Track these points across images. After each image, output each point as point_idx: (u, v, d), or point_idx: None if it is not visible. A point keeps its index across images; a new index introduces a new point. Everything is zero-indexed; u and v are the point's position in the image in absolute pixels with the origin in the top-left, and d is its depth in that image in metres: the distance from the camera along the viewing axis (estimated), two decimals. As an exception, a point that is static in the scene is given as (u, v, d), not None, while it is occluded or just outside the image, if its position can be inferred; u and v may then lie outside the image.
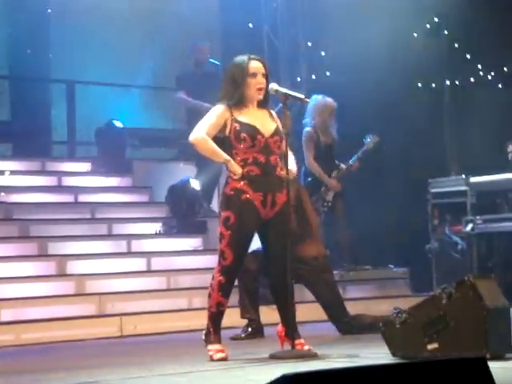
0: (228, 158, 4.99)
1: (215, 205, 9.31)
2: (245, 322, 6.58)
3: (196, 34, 9.81)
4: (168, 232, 8.72)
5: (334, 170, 8.14)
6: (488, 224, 8.37)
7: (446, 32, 10.42)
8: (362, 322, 6.33)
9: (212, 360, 4.98)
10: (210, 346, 5.04)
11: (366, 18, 9.48)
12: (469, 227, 8.45)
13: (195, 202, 8.87)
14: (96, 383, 4.43)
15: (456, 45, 10.35)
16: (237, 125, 5.02)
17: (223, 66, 9.23)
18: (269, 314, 6.34)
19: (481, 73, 10.37)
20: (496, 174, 8.55)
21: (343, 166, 8.21)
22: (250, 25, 10.49)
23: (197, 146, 5.06)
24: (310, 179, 8.07)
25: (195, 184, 8.85)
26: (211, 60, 9.47)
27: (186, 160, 9.45)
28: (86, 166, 9.65)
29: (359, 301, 7.98)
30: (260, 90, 5.05)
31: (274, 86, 5.09)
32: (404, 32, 9.73)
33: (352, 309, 6.66)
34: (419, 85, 10.41)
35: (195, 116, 9.09)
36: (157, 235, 8.66)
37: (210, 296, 5.04)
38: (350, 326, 6.33)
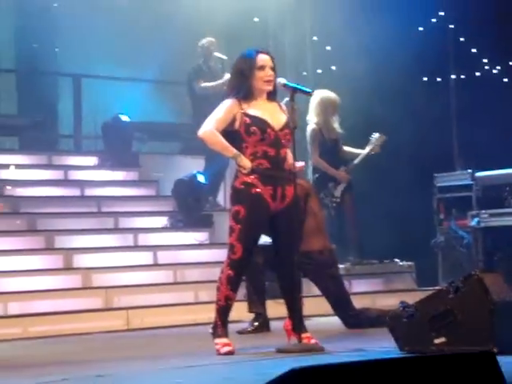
0: (237, 152, 5.00)
1: (221, 198, 9.35)
2: (252, 315, 6.60)
3: (202, 28, 9.81)
4: (174, 226, 8.74)
5: (341, 165, 8.10)
6: (494, 218, 8.37)
7: (451, 26, 10.41)
8: (368, 316, 6.35)
9: (219, 354, 5.00)
10: (218, 340, 5.06)
11: (372, 12, 9.47)
12: (474, 221, 8.45)
13: (201, 196, 8.89)
14: (104, 376, 4.45)
15: (461, 39, 10.34)
16: (247, 118, 5.03)
17: (229, 61, 9.26)
18: (275, 308, 6.36)
19: (486, 67, 10.36)
20: (502, 169, 8.56)
21: (350, 163, 8.15)
22: (256, 19, 10.49)
23: (206, 140, 5.07)
24: (317, 176, 8.06)
25: (201, 178, 8.87)
26: (217, 54, 9.48)
27: (192, 154, 9.47)
28: (92, 160, 9.66)
29: (365, 295, 7.99)
30: (269, 82, 5.07)
31: (281, 80, 5.11)
32: (409, 26, 9.72)
33: (358, 303, 6.68)
34: (425, 79, 10.40)
35: (201, 109, 9.19)
36: (163, 229, 8.68)
37: (218, 289, 5.06)
38: (356, 320, 6.35)
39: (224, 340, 5.05)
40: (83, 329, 6.85)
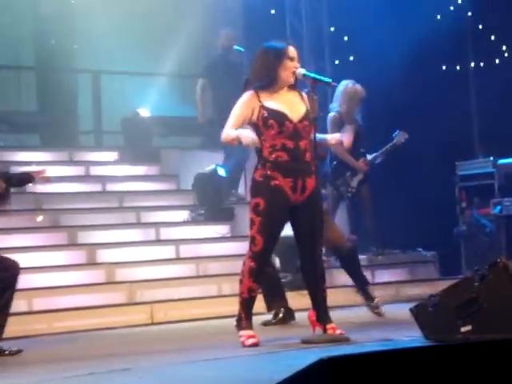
0: (236, 133, 4.96)
1: (242, 191, 9.35)
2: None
3: (219, 22, 9.81)
4: (196, 219, 8.76)
5: (360, 157, 8.06)
6: (516, 206, 8.32)
7: (469, 14, 10.35)
8: None
9: (244, 346, 5.01)
10: (242, 332, 5.07)
11: (389, 2, 9.43)
12: (497, 209, 8.41)
13: (222, 190, 8.90)
14: (129, 370, 4.47)
15: (480, 26, 10.27)
16: (264, 112, 5.02)
17: (247, 53, 9.25)
18: (299, 300, 6.36)
19: (506, 54, 10.29)
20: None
21: (369, 156, 8.12)
22: (272, 11, 10.48)
23: (224, 143, 5.12)
24: (334, 163, 8.03)
25: (222, 171, 8.88)
26: (236, 47, 9.47)
27: (212, 148, 9.48)
28: (113, 156, 9.70)
29: (388, 285, 7.99)
30: (294, 74, 5.06)
31: (301, 70, 5.09)
32: (428, 15, 9.67)
33: (382, 292, 6.69)
34: (444, 67, 10.35)
35: (217, 101, 9.20)
36: (185, 223, 8.70)
37: (241, 282, 5.07)
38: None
39: (249, 332, 5.06)
40: (107, 323, 6.88)
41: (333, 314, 5.28)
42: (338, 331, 5.02)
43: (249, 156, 8.83)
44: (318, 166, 5.09)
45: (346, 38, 10.34)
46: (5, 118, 9.90)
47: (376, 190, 8.31)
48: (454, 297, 4.46)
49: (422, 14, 9.38)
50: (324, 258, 6.08)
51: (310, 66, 9.82)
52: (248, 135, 4.97)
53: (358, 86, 7.94)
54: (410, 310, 4.70)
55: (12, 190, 8.39)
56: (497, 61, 10.30)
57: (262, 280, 5.86)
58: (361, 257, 8.41)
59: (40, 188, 8.63)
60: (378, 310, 6.43)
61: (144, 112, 9.74)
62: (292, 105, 5.09)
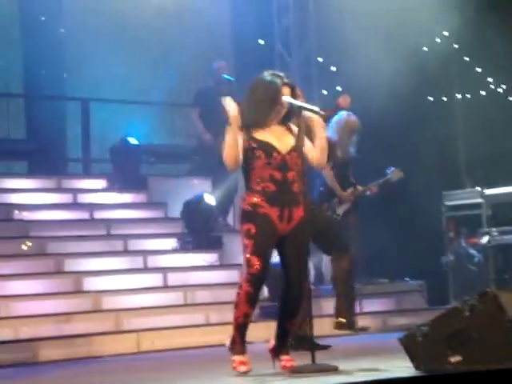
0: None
1: (231, 220, 9.35)
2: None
3: (209, 51, 9.87)
4: (184, 247, 8.74)
5: (349, 187, 8.07)
6: (504, 236, 8.36)
7: (456, 46, 10.46)
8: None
9: (235, 371, 5.00)
10: (236, 357, 5.06)
11: (377, 33, 9.52)
12: (485, 239, 8.44)
13: (210, 217, 8.90)
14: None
15: (466, 58, 10.38)
16: (252, 142, 5.05)
17: (236, 82, 9.30)
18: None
19: (492, 86, 10.39)
20: (510, 186, 8.56)
21: (360, 187, 8.14)
22: (261, 41, 10.55)
23: (229, 162, 5.03)
24: (321, 189, 8.03)
25: (210, 199, 8.88)
26: (225, 76, 9.53)
27: (200, 175, 9.49)
28: (101, 183, 9.68)
29: (376, 314, 7.98)
30: (284, 107, 5.09)
31: (287, 98, 5.10)
32: (414, 46, 9.76)
33: (369, 322, 6.68)
34: (430, 98, 10.43)
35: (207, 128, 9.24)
36: (173, 251, 8.69)
37: (236, 307, 5.05)
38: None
39: (241, 358, 5.05)
40: (94, 352, 6.85)
41: (321, 342, 5.26)
42: (292, 363, 5.04)
43: (238, 185, 8.87)
44: (307, 196, 5.10)
45: (333, 69, 10.41)
46: (-7, 145, 9.88)
47: (364, 218, 8.32)
48: (444, 327, 4.46)
49: (408, 45, 9.46)
50: (312, 286, 6.07)
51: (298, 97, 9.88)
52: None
53: (353, 118, 7.96)
54: (399, 339, 4.69)
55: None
56: (483, 92, 10.39)
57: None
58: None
59: (27, 215, 8.61)
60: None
61: (132, 140, 9.75)
62: (280, 136, 5.11)
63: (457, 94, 10.57)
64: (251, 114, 5.07)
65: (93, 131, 10.15)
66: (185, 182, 9.59)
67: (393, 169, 8.08)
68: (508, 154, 9.15)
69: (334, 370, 4.87)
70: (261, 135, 5.06)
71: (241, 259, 8.18)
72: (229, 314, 7.56)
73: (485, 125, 9.76)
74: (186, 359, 6.55)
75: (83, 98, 10.27)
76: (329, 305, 7.11)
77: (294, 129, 5.17)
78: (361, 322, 7.64)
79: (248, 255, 5.00)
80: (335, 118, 7.72)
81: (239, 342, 5.05)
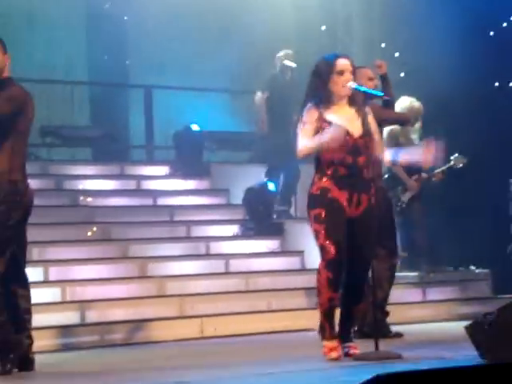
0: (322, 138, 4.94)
1: (292, 207, 9.36)
2: None
3: (272, 37, 9.85)
4: (246, 234, 8.77)
5: (414, 174, 7.99)
6: None
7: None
8: None
9: (326, 357, 5.00)
10: (326, 342, 5.06)
11: (442, 17, 9.38)
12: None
13: (272, 204, 8.91)
14: (180, 383, 4.49)
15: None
16: (325, 124, 5.03)
17: (298, 69, 9.27)
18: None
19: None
20: None
21: (424, 174, 8.05)
22: (323, 27, 10.49)
23: (306, 155, 5.06)
24: (387, 175, 7.98)
25: (272, 186, 8.89)
26: (287, 63, 9.50)
27: (262, 162, 9.50)
28: (164, 170, 9.77)
29: (440, 303, 7.90)
30: (346, 87, 5.05)
31: (352, 84, 5.07)
32: (480, 31, 9.59)
33: (433, 311, 6.61)
34: (496, 84, 10.25)
35: (271, 118, 9.25)
36: (235, 237, 8.73)
37: (319, 293, 5.03)
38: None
39: (332, 343, 5.04)
40: (158, 336, 6.91)
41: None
42: (354, 351, 5.02)
43: (299, 173, 8.86)
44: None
45: (396, 54, 10.30)
46: (58, 132, 10.05)
47: (428, 206, 8.24)
48: (511, 316, 4.40)
49: (474, 29, 9.30)
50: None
51: (360, 82, 9.80)
52: (328, 133, 4.91)
53: (417, 104, 7.88)
54: (465, 328, 4.65)
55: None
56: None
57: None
58: (412, 274, 8.36)
59: (92, 201, 8.74)
60: None
61: (195, 127, 9.81)
62: (352, 120, 5.08)
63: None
64: (314, 95, 5.05)
65: (156, 118, 10.24)
66: (247, 169, 9.61)
67: (457, 155, 7.99)
68: None
69: (398, 358, 4.85)
70: (333, 117, 5.03)
71: (302, 246, 8.28)
72: (290, 301, 7.68)
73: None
74: (249, 345, 6.59)
75: (146, 85, 10.36)
76: (397, 292, 7.06)
77: (364, 113, 5.13)
78: (425, 310, 7.58)
79: (321, 241, 4.98)
80: (398, 104, 7.65)
81: (328, 328, 5.04)
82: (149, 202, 9.09)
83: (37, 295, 6.74)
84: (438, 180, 8.11)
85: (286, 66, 9.42)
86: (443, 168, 7.99)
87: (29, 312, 5.25)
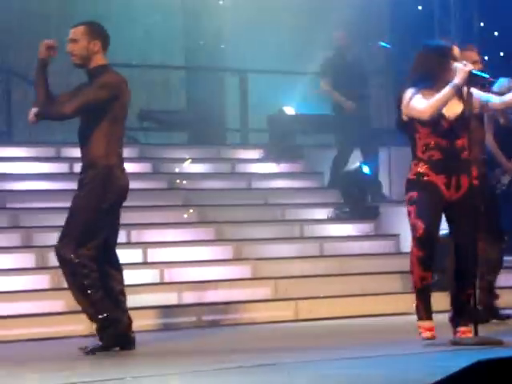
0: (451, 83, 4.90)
1: (387, 191, 9.28)
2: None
3: (366, 18, 9.76)
4: (340, 217, 8.75)
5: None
6: None
7: None
8: None
9: (421, 337, 5.00)
10: (420, 323, 5.06)
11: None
12: None
13: (367, 188, 8.86)
14: (277, 365, 4.53)
15: None
16: None
17: (393, 49, 9.16)
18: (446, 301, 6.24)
19: None
20: None
21: None
22: (420, 7, 10.33)
23: (432, 113, 4.94)
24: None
25: (366, 169, 8.84)
26: (382, 43, 9.39)
27: (355, 146, 9.43)
28: (258, 153, 9.83)
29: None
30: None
31: (457, 65, 5.00)
32: None
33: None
34: None
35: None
36: (329, 220, 8.72)
37: (411, 272, 5.04)
38: None
39: (427, 323, 5.03)
40: (252, 318, 6.99)
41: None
42: (466, 335, 4.96)
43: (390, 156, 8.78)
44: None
45: (496, 34, 10.06)
46: (154, 116, 10.22)
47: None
48: None
49: None
50: None
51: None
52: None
53: None
54: None
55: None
56: None
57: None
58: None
59: (187, 184, 8.88)
60: None
61: (289, 110, 9.82)
62: (452, 103, 5.02)
63: None
64: (421, 80, 5.01)
65: (250, 101, 10.29)
66: (341, 152, 9.54)
67: None
68: None
69: (499, 344, 4.77)
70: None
71: (397, 230, 8.20)
72: (385, 284, 7.63)
73: None
74: (343, 328, 6.58)
75: (241, 69, 10.42)
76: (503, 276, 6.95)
77: (463, 95, 5.06)
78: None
79: (412, 220, 4.99)
80: (495, 86, 7.47)
81: (422, 308, 5.04)
82: (243, 185, 9.17)
83: (136, 276, 6.97)
84: None
85: (342, 46, 9.25)
86: None
87: (123, 293, 5.36)
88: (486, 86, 5.74)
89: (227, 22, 10.41)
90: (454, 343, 4.90)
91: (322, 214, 8.80)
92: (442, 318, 6.04)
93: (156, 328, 6.61)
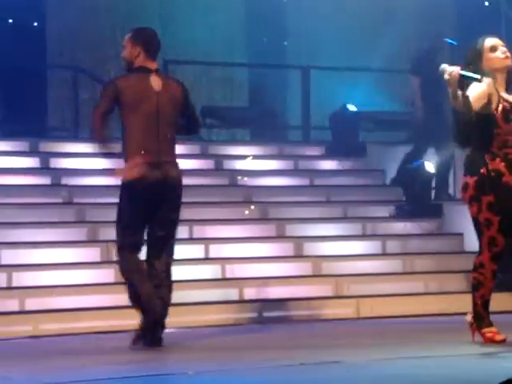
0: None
1: (451, 189, 9.16)
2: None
3: (431, 14, 9.65)
4: (402, 215, 8.68)
5: None
6: None
7: None
8: None
9: (493, 340, 4.92)
10: (487, 329, 4.98)
11: None
12: None
13: (430, 185, 8.77)
14: (338, 363, 4.52)
15: None
16: (506, 104, 4.91)
17: (460, 46, 9.03)
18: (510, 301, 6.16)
19: None
20: None
21: None
22: (486, 3, 10.17)
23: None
24: None
25: (430, 167, 8.74)
26: (448, 40, 9.27)
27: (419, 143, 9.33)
28: (320, 150, 9.81)
29: None
30: (506, 58, 4.92)
31: (445, 67, 4.87)
32: None
33: None
34: None
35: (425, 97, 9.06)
36: (391, 218, 8.65)
37: (481, 286, 4.95)
38: None
39: (493, 329, 4.97)
40: (313, 315, 7.00)
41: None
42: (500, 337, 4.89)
43: (454, 155, 8.66)
44: None
45: None
46: (217, 114, 10.28)
47: None
48: None
49: None
50: None
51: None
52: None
53: None
54: None
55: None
56: None
57: None
58: None
59: (249, 181, 8.91)
60: None
61: (351, 107, 9.77)
62: None
63: None
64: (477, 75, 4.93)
65: (312, 98, 10.27)
66: (403, 150, 9.48)
67: None
68: None
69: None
70: (508, 96, 4.93)
71: (461, 228, 8.09)
72: (448, 283, 7.54)
73: None
74: (405, 327, 6.53)
75: (303, 66, 10.41)
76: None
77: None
78: None
79: (493, 233, 4.88)
80: None
81: (487, 316, 4.96)
82: (305, 182, 9.16)
83: (198, 272, 7.03)
84: None
85: (436, 48, 9.15)
86: None
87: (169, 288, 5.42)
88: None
89: (290, 18, 10.41)
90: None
91: (384, 211, 8.74)
92: (505, 319, 5.99)
93: (217, 323, 6.65)
